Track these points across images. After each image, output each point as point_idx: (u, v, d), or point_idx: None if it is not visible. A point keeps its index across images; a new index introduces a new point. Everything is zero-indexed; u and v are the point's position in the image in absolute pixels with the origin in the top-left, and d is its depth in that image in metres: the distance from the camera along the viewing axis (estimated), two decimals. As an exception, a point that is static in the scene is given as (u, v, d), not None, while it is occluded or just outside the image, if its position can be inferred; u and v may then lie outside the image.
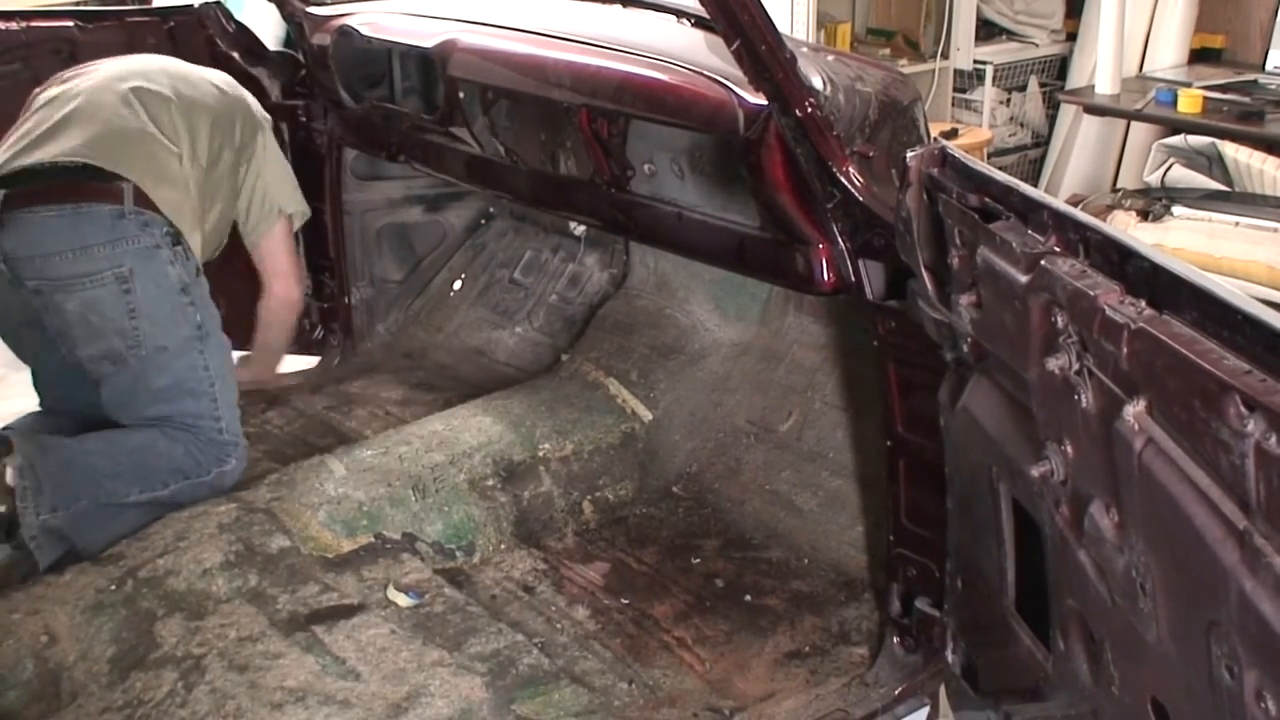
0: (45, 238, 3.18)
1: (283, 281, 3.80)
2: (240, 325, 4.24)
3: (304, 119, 4.22)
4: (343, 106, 3.99)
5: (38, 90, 3.50)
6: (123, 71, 3.48)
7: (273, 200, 3.70)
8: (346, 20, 3.88)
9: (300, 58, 4.16)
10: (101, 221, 3.19)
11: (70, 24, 4.05)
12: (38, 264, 3.19)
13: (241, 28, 4.14)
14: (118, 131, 3.30)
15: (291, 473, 3.35)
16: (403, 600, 3.01)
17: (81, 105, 3.34)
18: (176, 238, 3.28)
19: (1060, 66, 7.54)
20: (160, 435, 3.30)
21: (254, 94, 4.08)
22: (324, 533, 3.16)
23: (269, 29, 4.56)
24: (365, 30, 3.80)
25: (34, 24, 4.03)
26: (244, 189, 3.65)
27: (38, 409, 3.66)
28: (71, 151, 3.22)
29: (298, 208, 3.81)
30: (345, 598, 2.98)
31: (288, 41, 4.34)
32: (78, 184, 3.20)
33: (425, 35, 3.62)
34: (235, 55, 4.10)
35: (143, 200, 3.23)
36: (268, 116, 3.76)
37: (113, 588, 2.92)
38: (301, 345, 4.48)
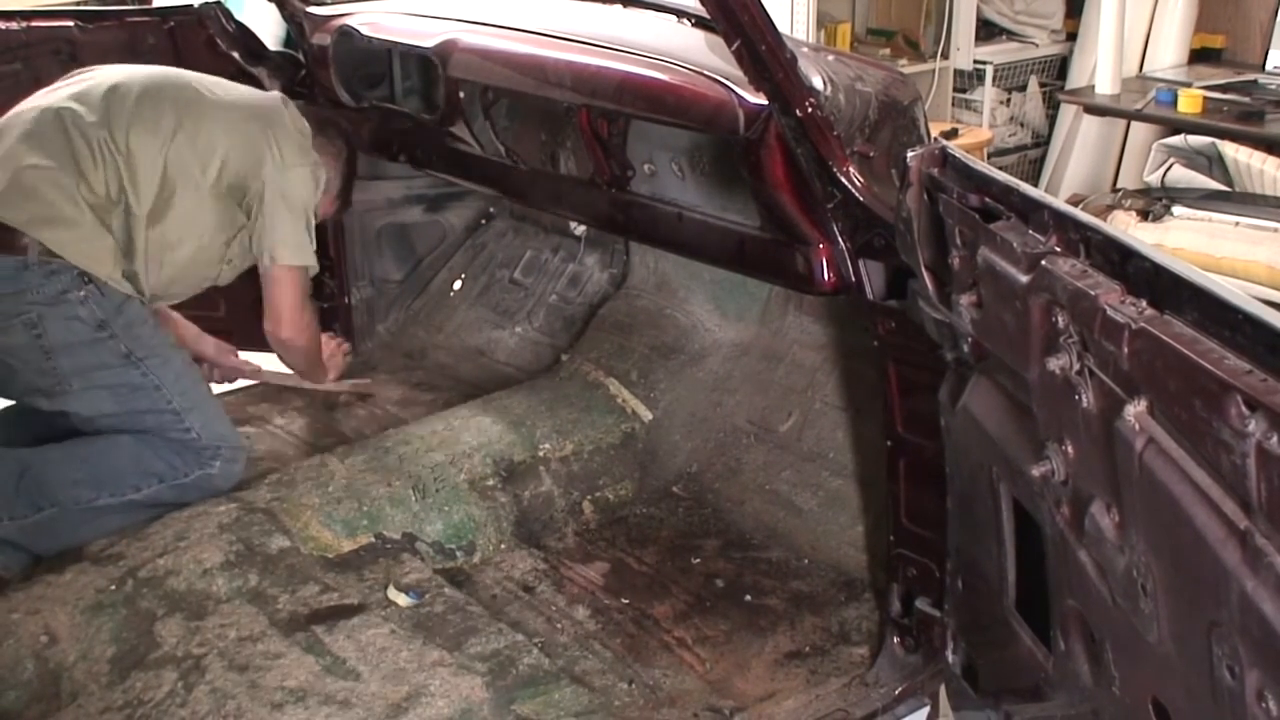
0: None
1: (270, 322, 3.57)
2: (243, 325, 4.24)
3: (304, 119, 4.21)
4: (343, 106, 3.99)
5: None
6: (78, 90, 3.34)
7: (264, 245, 3.45)
8: (346, 20, 3.88)
9: (300, 58, 4.15)
10: (4, 273, 3.12)
11: (70, 24, 4.04)
12: None
13: (241, 27, 4.13)
14: (20, 177, 3.17)
15: (291, 473, 3.36)
16: (403, 600, 3.00)
17: (12, 140, 3.22)
18: (87, 278, 3.17)
19: (1060, 66, 7.55)
20: (130, 439, 3.29)
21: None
22: (324, 533, 3.16)
23: (269, 29, 4.56)
24: (365, 30, 3.80)
25: (34, 24, 4.03)
26: (250, 222, 3.45)
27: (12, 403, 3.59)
28: None
29: (290, 262, 3.50)
30: (345, 598, 2.98)
31: (288, 41, 4.34)
32: None
33: (425, 35, 3.62)
34: (235, 55, 4.09)
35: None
36: (296, 160, 3.47)
37: (113, 588, 2.92)
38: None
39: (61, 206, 3.17)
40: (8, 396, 3.45)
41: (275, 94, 3.67)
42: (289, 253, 3.48)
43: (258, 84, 4.13)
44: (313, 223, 3.53)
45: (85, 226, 3.19)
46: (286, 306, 3.54)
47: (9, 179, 3.17)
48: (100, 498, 3.21)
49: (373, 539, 3.20)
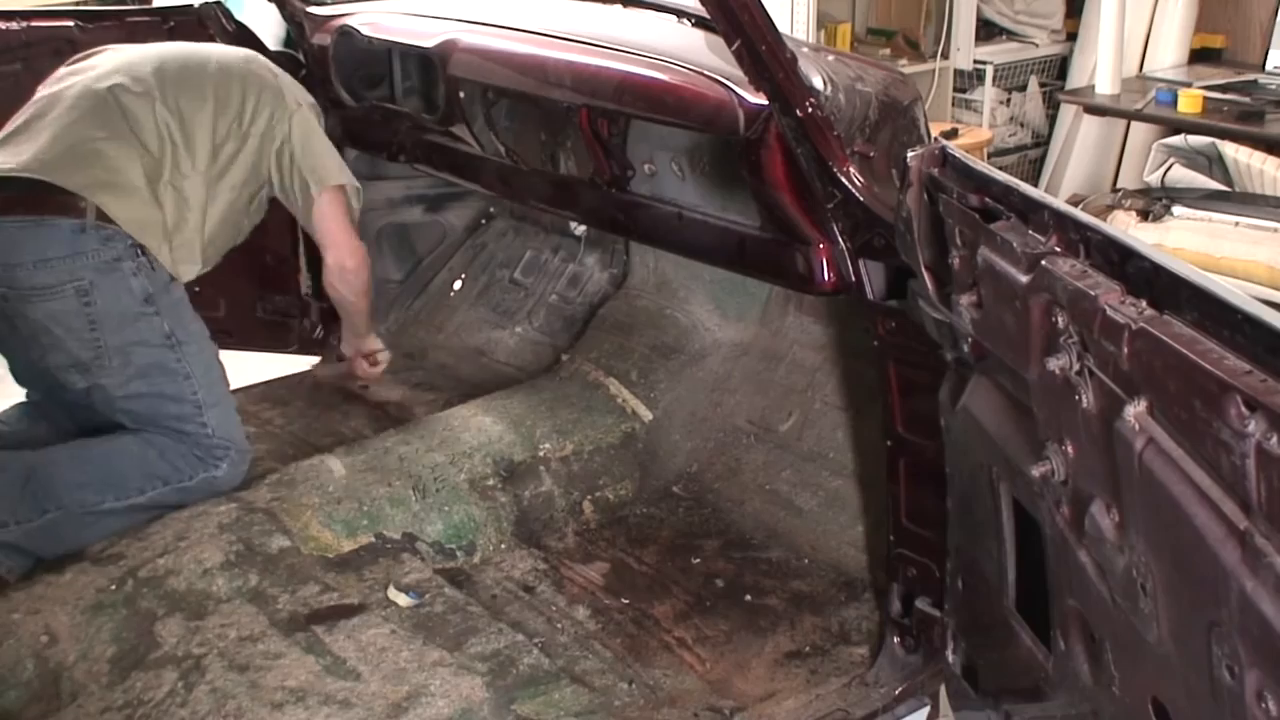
0: (7, 247, 3.15)
1: (332, 251, 3.66)
2: (244, 325, 4.24)
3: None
4: (343, 106, 3.99)
5: (45, 83, 3.49)
6: (111, 67, 3.44)
7: (308, 176, 3.57)
8: (347, 20, 3.88)
9: (300, 58, 4.16)
10: (61, 235, 3.16)
11: (70, 24, 4.05)
12: (1, 272, 3.18)
13: (242, 28, 4.13)
14: (77, 147, 3.25)
15: (292, 472, 3.36)
16: (403, 600, 3.01)
17: (59, 113, 3.30)
18: (140, 249, 3.24)
19: (1060, 66, 7.54)
20: (135, 440, 3.29)
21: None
22: (324, 533, 3.16)
23: (269, 29, 4.56)
24: (366, 30, 3.80)
25: (34, 24, 4.03)
26: (278, 171, 3.57)
27: (26, 400, 3.62)
28: (30, 167, 3.18)
29: (338, 180, 3.63)
30: (345, 598, 2.98)
31: (288, 41, 4.34)
32: (40, 196, 3.16)
33: (426, 35, 3.63)
34: (235, 55, 4.09)
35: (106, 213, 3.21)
36: (302, 99, 3.64)
37: (113, 587, 2.92)
38: (302, 345, 4.48)
39: (122, 171, 3.26)
40: (38, 375, 3.44)
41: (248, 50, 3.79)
42: (335, 172, 3.61)
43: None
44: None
45: (141, 195, 3.27)
46: (343, 230, 3.65)
47: (66, 148, 3.24)
48: (105, 501, 3.20)
49: (373, 539, 3.20)
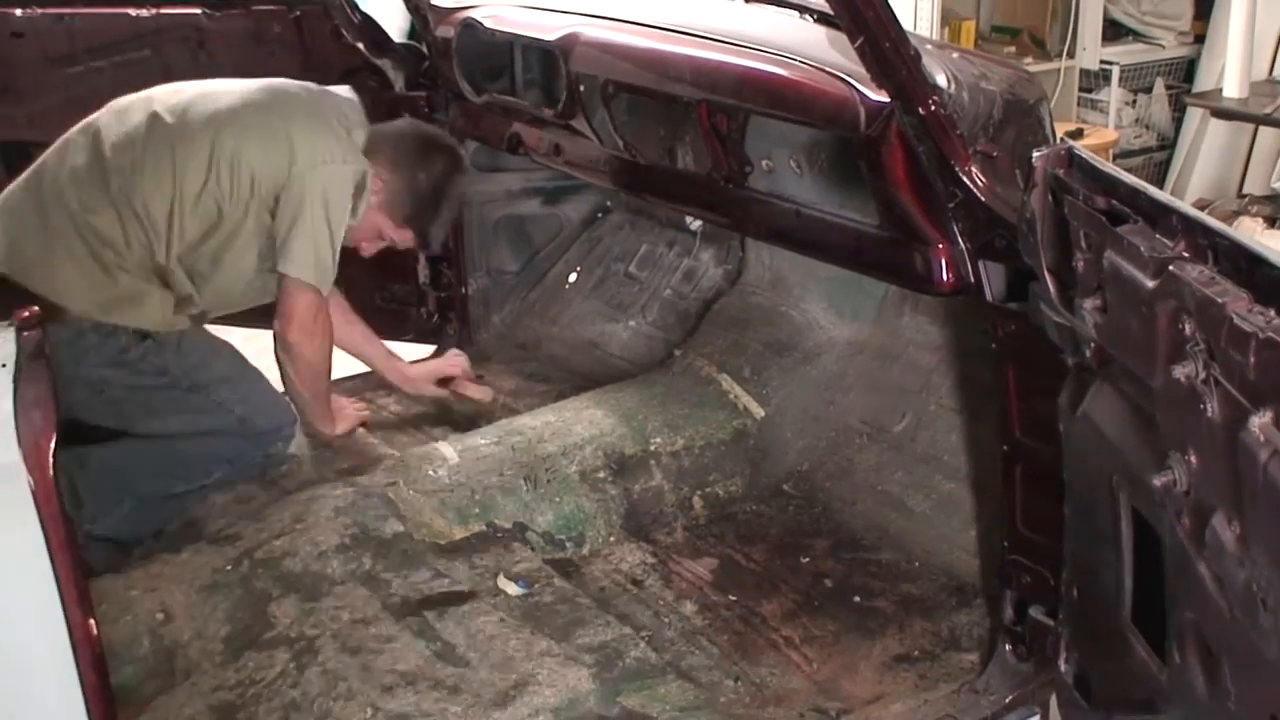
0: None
1: (281, 321, 3.34)
2: (362, 313, 4.26)
3: (426, 110, 4.25)
4: (464, 98, 4.02)
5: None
6: (83, 141, 3.26)
7: (280, 247, 3.26)
8: (470, 13, 3.91)
9: (424, 50, 4.20)
10: (60, 340, 3.04)
11: (198, 11, 4.11)
12: None
13: (367, 19, 4.17)
14: (41, 240, 3.18)
15: (406, 459, 3.40)
16: (512, 589, 3.03)
17: (28, 200, 3.24)
18: (142, 334, 3.23)
19: (1188, 69, 7.43)
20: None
21: (379, 85, 4.13)
22: (437, 519, 3.19)
23: (394, 21, 4.61)
24: (488, 23, 3.82)
25: (164, 10, 4.10)
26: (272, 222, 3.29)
27: None
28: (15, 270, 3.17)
29: (300, 276, 3.28)
30: (456, 584, 3.01)
31: (412, 33, 4.39)
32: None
33: (547, 29, 3.64)
34: (360, 46, 4.14)
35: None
36: (329, 159, 3.29)
37: (229, 568, 2.98)
38: (418, 333, 4.53)
39: (88, 271, 3.17)
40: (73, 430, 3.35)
41: (306, 85, 3.49)
42: (297, 267, 3.29)
43: (383, 75, 4.18)
44: (338, 235, 3.31)
45: (132, 286, 3.20)
46: (299, 310, 3.33)
47: (48, 245, 3.18)
48: (176, 485, 3.32)
49: (484, 527, 3.23)
